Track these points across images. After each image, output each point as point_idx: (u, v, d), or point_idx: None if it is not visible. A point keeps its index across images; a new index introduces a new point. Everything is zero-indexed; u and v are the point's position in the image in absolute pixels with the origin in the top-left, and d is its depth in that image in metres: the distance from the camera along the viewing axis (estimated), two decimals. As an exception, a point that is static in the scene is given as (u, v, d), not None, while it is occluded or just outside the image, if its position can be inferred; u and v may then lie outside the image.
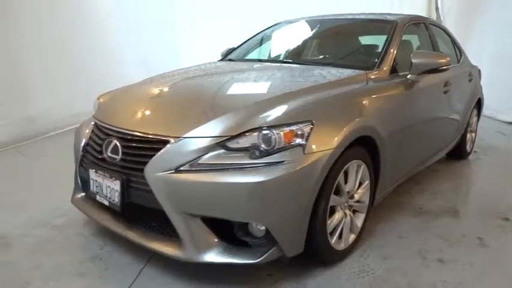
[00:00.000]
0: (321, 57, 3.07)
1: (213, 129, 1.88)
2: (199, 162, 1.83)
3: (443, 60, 2.64)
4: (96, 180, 2.12)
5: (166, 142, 1.89)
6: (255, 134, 1.84)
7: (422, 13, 8.23)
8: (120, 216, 2.12)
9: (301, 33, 3.35)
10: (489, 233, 2.57)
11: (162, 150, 1.88)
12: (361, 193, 2.27)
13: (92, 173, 2.14)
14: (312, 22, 3.42)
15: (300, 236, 1.91)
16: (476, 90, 4.05)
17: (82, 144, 2.28)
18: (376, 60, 2.67)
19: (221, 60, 3.47)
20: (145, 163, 1.90)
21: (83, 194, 2.42)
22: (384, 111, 2.36)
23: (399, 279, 2.06)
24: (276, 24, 3.66)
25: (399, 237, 2.52)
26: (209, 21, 8.19)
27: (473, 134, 4.22)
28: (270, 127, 1.84)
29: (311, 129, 1.88)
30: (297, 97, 2.08)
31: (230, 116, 1.93)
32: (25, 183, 3.42)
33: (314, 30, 3.33)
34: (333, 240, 2.10)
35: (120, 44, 6.40)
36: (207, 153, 1.84)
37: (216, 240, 1.87)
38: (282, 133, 1.82)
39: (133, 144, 1.99)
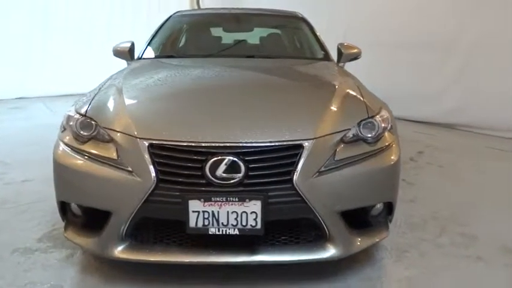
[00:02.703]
0: (278, 50, 3.20)
1: (333, 125, 1.92)
2: (336, 159, 1.86)
3: (359, 51, 3.33)
4: (205, 212, 1.72)
5: (300, 146, 1.79)
6: (361, 124, 2.01)
7: (186, 4, 8.81)
8: (236, 244, 1.83)
9: (225, 27, 3.34)
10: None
11: (304, 155, 1.78)
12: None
13: (197, 205, 1.72)
14: (222, 15, 3.45)
15: None
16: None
17: (153, 175, 1.73)
18: (323, 52, 3.12)
19: (142, 59, 3.02)
20: (288, 173, 1.75)
21: (127, 243, 1.85)
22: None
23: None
24: (173, 17, 3.44)
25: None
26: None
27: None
28: (372, 117, 2.05)
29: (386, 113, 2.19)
30: (349, 87, 2.31)
31: (337, 110, 2.01)
32: None
33: (235, 24, 3.38)
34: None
35: None
36: (336, 149, 1.89)
37: (350, 229, 1.96)
38: (381, 120, 2.07)
39: (265, 156, 1.76)
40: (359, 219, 1.99)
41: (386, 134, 2.06)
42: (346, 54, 3.17)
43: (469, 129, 5.19)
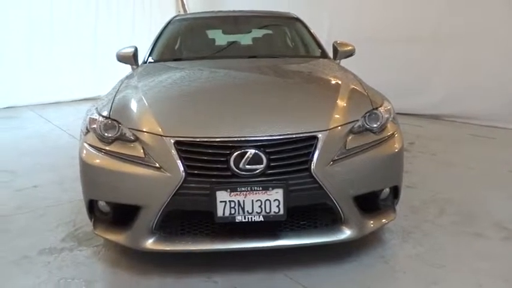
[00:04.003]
0: (278, 50, 3.36)
1: (342, 117, 2.07)
2: (347, 148, 2.02)
3: (353, 48, 3.50)
4: (231, 201, 1.86)
5: (314, 138, 1.95)
6: (366, 115, 2.17)
7: (172, 9, 8.89)
8: (258, 231, 1.97)
9: (225, 29, 3.48)
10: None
11: (318, 146, 1.93)
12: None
13: (224, 195, 1.85)
14: (221, 18, 3.58)
15: None
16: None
17: (181, 170, 1.86)
18: (320, 50, 3.29)
19: (154, 62, 3.13)
20: (306, 162, 1.90)
21: (157, 235, 1.98)
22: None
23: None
24: (173, 22, 3.56)
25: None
26: None
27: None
28: (376, 108, 2.21)
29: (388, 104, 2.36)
30: (352, 82, 2.47)
31: (344, 104, 2.16)
32: None
33: (235, 26, 3.52)
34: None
35: None
36: (346, 139, 2.04)
37: (362, 212, 2.11)
38: (384, 111, 2.23)
39: (284, 148, 1.90)
40: (369, 204, 2.15)
41: (389, 124, 2.22)
42: (342, 52, 3.34)
43: (452, 119, 5.45)
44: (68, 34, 7.71)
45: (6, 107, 7.04)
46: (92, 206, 2.12)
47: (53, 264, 2.18)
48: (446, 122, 5.45)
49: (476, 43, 5.10)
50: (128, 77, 2.70)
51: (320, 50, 3.30)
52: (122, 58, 3.25)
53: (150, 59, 3.17)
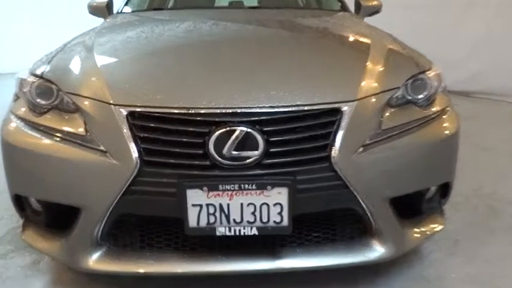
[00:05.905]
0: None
1: (378, 83, 1.44)
2: (383, 128, 1.38)
3: (379, 3, 2.81)
4: (210, 205, 1.24)
5: (337, 111, 1.31)
6: (409, 81, 1.52)
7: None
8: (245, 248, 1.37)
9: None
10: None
11: (343, 123, 1.30)
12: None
13: (199, 196, 1.24)
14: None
15: None
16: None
17: (135, 156, 1.24)
18: (340, 2, 2.62)
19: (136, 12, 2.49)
20: (323, 148, 1.27)
21: (104, 249, 1.37)
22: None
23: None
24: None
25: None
26: None
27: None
28: (423, 72, 1.56)
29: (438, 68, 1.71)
30: (386, 39, 1.83)
31: (380, 65, 1.52)
32: None
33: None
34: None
35: None
36: (382, 115, 1.41)
37: (401, 220, 1.49)
38: (434, 76, 1.58)
39: (290, 126, 1.27)
40: (409, 207, 1.53)
41: (439, 95, 1.58)
42: (365, 7, 2.66)
43: (488, 97, 4.75)
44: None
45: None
46: (20, 202, 1.52)
47: (-27, 279, 1.61)
48: (481, 100, 4.73)
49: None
50: (89, 30, 2.06)
51: (339, 3, 2.62)
52: (94, 10, 2.59)
53: (126, 9, 2.51)
